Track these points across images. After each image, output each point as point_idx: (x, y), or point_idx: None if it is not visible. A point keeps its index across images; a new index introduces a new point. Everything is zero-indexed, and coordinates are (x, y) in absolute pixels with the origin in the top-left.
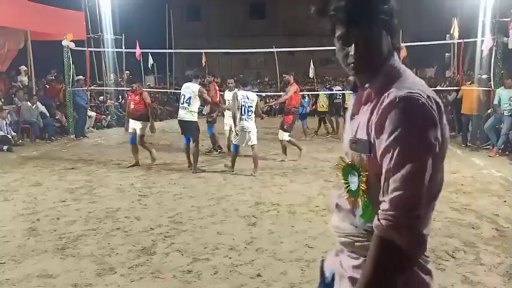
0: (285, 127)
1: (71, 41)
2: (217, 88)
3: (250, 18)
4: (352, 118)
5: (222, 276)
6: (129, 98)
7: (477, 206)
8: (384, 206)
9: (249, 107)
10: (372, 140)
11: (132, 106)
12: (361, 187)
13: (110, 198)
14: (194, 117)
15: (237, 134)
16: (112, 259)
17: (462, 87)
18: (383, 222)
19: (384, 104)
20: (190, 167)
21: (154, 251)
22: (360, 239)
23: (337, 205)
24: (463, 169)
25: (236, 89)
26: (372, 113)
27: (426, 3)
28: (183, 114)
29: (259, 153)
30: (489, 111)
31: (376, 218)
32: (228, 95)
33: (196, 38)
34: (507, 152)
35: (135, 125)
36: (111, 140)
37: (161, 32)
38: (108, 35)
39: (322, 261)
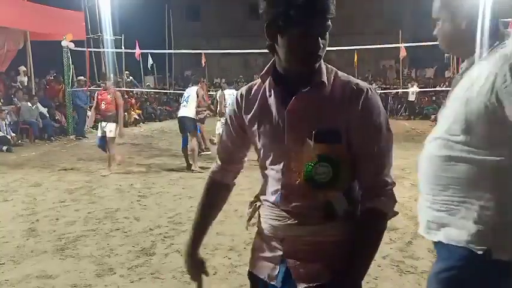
0: None
1: (71, 41)
2: (206, 90)
3: (249, 18)
4: (295, 113)
5: (222, 276)
6: (100, 97)
7: None
8: (382, 184)
9: None
10: (342, 129)
11: (103, 106)
12: (341, 175)
13: (109, 199)
14: (192, 115)
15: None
16: (111, 260)
17: None
18: (384, 198)
19: (350, 94)
20: (188, 169)
21: (154, 252)
22: (331, 228)
23: (292, 213)
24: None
25: (230, 88)
26: (332, 104)
27: (426, 3)
28: (182, 112)
29: None
30: None
31: (371, 196)
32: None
33: (196, 38)
34: None
35: (105, 127)
36: None
37: (161, 33)
38: (108, 35)
39: (251, 272)
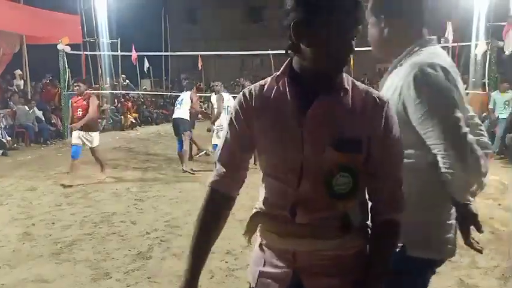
0: None
1: (67, 44)
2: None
3: (247, 21)
4: (316, 119)
5: (219, 280)
6: (75, 103)
7: None
8: (399, 196)
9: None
10: (363, 138)
11: (79, 113)
12: (360, 186)
13: (105, 203)
14: (186, 116)
15: (218, 136)
16: (107, 264)
17: (477, 92)
18: (400, 210)
19: (373, 104)
20: (185, 171)
21: (150, 256)
22: (350, 241)
23: (308, 225)
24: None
25: (224, 92)
26: (354, 112)
27: None
28: (176, 114)
29: None
30: (484, 114)
31: (389, 208)
32: (214, 98)
33: (193, 41)
34: (502, 156)
35: (84, 137)
36: (106, 144)
37: (157, 36)
38: (104, 38)
39: None
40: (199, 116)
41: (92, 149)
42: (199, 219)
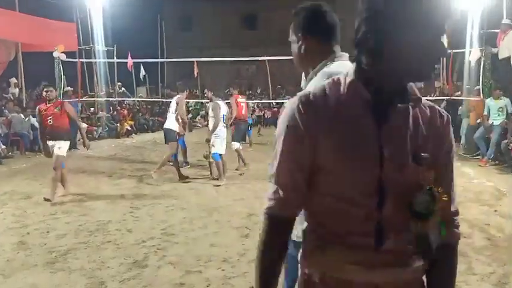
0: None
1: (62, 52)
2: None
3: (242, 28)
4: (397, 131)
5: None
6: (45, 111)
7: (468, 215)
8: (456, 213)
9: (225, 116)
10: (435, 153)
11: (50, 122)
12: (439, 203)
13: (100, 211)
14: (173, 126)
15: (213, 145)
16: (103, 273)
17: (469, 98)
18: (457, 230)
19: (438, 118)
20: (180, 180)
21: (146, 264)
22: (419, 266)
23: (392, 252)
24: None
25: (219, 100)
26: (426, 125)
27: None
28: (165, 123)
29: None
30: (478, 121)
31: (450, 228)
32: (210, 107)
33: (189, 48)
34: (497, 162)
35: (55, 146)
36: (102, 151)
37: (153, 43)
38: (100, 46)
39: None
40: (181, 126)
41: (56, 157)
42: (263, 255)
